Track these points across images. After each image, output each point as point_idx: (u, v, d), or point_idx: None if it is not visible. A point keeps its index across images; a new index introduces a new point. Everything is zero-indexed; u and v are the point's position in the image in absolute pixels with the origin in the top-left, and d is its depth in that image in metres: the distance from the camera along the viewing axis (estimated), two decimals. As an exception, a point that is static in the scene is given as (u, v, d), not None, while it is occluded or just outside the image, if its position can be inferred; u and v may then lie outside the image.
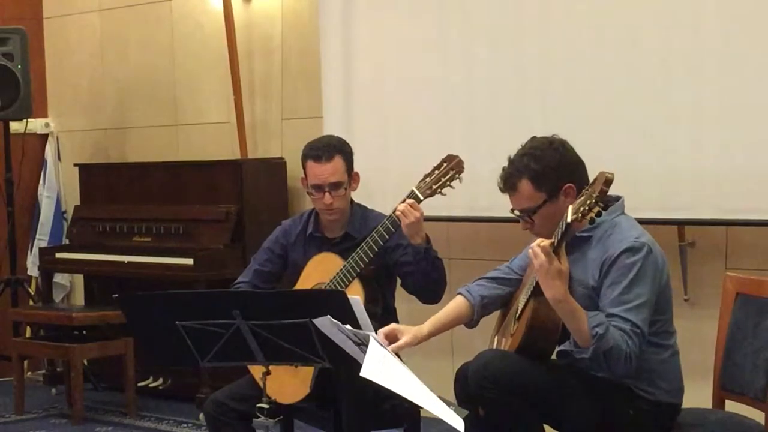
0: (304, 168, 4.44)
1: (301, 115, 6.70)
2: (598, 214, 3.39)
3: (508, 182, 3.70)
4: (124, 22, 7.62)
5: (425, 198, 4.12)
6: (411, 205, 4.09)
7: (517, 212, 3.73)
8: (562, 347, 3.61)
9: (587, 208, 3.36)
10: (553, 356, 3.72)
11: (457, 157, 4.15)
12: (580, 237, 3.65)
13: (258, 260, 4.55)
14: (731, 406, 3.85)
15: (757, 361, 3.68)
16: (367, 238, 4.17)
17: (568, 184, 3.64)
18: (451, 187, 4.14)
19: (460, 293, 3.92)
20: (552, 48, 5.42)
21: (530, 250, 3.48)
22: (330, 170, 4.34)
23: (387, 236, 4.14)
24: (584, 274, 3.61)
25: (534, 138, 3.76)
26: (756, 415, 3.70)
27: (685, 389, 3.71)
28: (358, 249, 4.17)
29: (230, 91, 6.82)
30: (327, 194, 4.33)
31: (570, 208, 3.42)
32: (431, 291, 4.31)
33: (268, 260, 4.53)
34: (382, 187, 5.54)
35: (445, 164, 4.15)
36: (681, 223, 5.19)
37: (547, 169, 3.64)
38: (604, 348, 3.41)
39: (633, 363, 3.46)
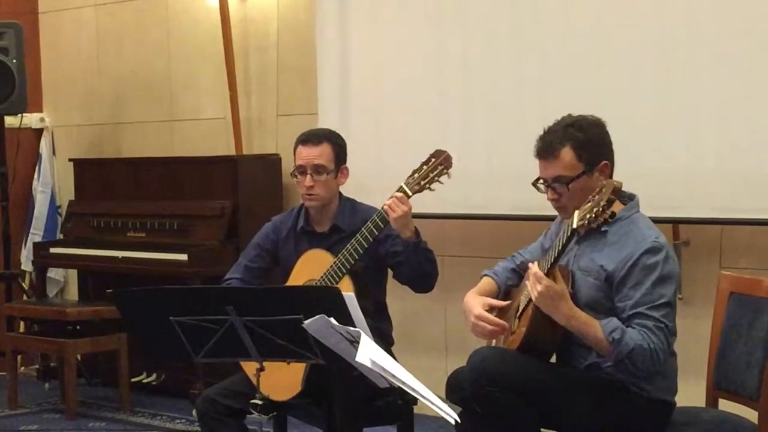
0: (295, 156, 4.45)
1: (296, 112, 6.70)
2: (605, 222, 3.40)
3: (550, 148, 3.68)
4: (120, 18, 7.61)
5: (414, 193, 4.12)
6: (399, 199, 4.09)
7: (547, 182, 3.70)
8: (588, 362, 3.61)
9: (594, 215, 3.36)
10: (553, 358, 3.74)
11: (445, 152, 4.15)
12: (596, 230, 3.64)
13: (247, 256, 4.55)
14: (725, 405, 3.85)
15: (750, 360, 3.69)
16: (357, 235, 4.17)
17: (605, 162, 3.67)
18: (439, 182, 4.14)
19: (487, 275, 3.99)
20: (548, 47, 5.42)
21: (528, 282, 3.49)
22: (315, 153, 4.37)
23: (376, 232, 4.15)
24: (591, 264, 3.63)
25: (571, 114, 3.77)
26: (749, 414, 3.71)
27: (678, 388, 3.72)
28: (348, 245, 4.17)
29: (226, 87, 6.82)
30: (308, 177, 4.34)
31: (576, 213, 3.42)
32: (424, 281, 4.31)
33: (258, 256, 4.53)
34: (378, 184, 5.51)
35: (433, 159, 4.15)
36: (676, 222, 5.19)
37: (591, 142, 3.67)
38: (625, 351, 3.43)
39: (660, 358, 3.48)
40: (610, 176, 3.64)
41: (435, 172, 4.13)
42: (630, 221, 3.65)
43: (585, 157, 3.65)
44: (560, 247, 3.51)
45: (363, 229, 4.17)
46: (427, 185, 4.13)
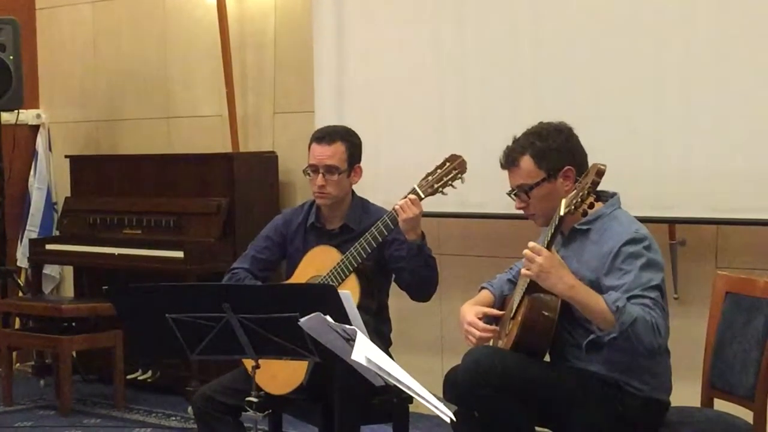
0: (309, 153, 4.46)
1: (293, 110, 6.70)
2: (591, 206, 3.43)
3: (510, 157, 3.76)
4: (117, 14, 7.60)
5: (426, 196, 4.14)
6: (412, 202, 4.09)
7: (514, 191, 3.75)
8: (589, 339, 3.61)
9: (579, 200, 3.39)
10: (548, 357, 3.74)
11: (460, 157, 4.17)
12: (578, 229, 3.68)
13: (256, 247, 4.55)
14: (720, 405, 3.85)
15: (746, 360, 3.69)
16: (366, 234, 4.18)
17: (568, 167, 3.69)
18: (453, 186, 4.16)
19: (484, 287, 4.01)
20: (545, 47, 5.42)
21: (524, 259, 3.48)
22: (328, 152, 4.38)
23: (386, 232, 4.16)
24: (579, 266, 3.63)
25: (541, 122, 3.82)
26: (744, 414, 3.71)
27: (673, 387, 3.72)
28: (356, 244, 4.18)
29: (222, 85, 6.81)
30: (320, 176, 4.35)
31: (563, 201, 3.44)
32: (422, 288, 4.31)
33: (266, 248, 4.53)
34: (374, 182, 5.51)
35: (448, 163, 4.16)
36: (672, 222, 5.19)
37: (550, 149, 3.70)
38: (628, 321, 3.41)
39: (661, 333, 3.47)
40: (575, 181, 3.63)
41: (449, 177, 4.14)
42: (611, 217, 3.68)
43: (545, 165, 3.70)
44: (549, 237, 3.51)
45: (372, 228, 4.17)
46: (440, 189, 4.15)
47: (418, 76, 5.88)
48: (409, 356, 4.74)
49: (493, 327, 3.81)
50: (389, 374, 3.15)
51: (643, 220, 3.77)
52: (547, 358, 3.73)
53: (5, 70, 6.99)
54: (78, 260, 7.03)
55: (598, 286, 3.57)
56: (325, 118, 5.99)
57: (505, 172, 3.84)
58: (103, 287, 3.55)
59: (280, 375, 4.06)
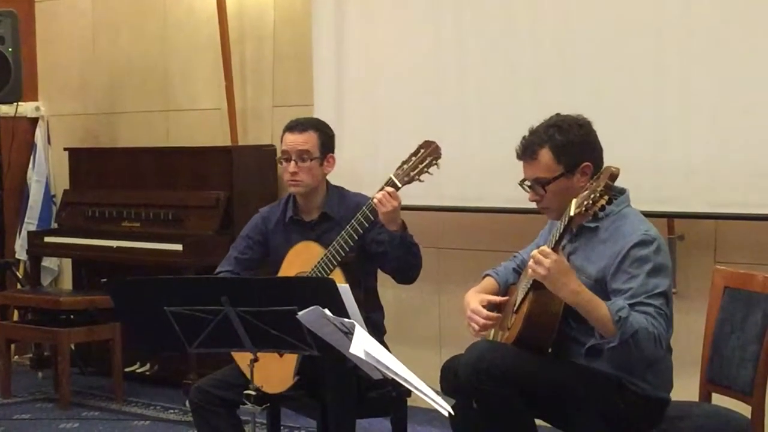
0: (281, 143, 4.46)
1: (291, 103, 6.69)
2: (602, 208, 3.37)
3: (529, 149, 3.68)
4: (116, 7, 7.60)
5: (403, 185, 4.12)
6: (390, 194, 4.08)
7: (528, 183, 3.70)
8: (589, 344, 3.59)
9: (591, 201, 3.34)
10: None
11: (434, 143, 4.14)
12: (586, 227, 3.64)
13: (237, 248, 4.55)
14: (718, 400, 3.85)
15: (744, 355, 3.69)
16: (347, 227, 4.16)
17: (586, 163, 3.64)
18: (429, 173, 4.13)
19: (489, 275, 3.99)
20: (544, 41, 5.42)
21: (531, 261, 3.46)
22: (300, 140, 4.40)
23: (366, 224, 4.14)
24: (586, 264, 3.61)
25: (559, 114, 3.75)
26: (742, 408, 3.71)
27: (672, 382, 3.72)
28: (338, 237, 4.16)
29: (221, 78, 6.81)
30: (292, 162, 4.35)
31: (573, 201, 3.40)
32: (406, 273, 4.32)
33: (248, 248, 4.52)
34: (372, 175, 5.51)
35: (422, 150, 4.14)
36: (671, 216, 5.19)
37: (571, 144, 3.64)
38: (630, 332, 3.39)
39: (663, 344, 3.46)
40: (592, 176, 3.59)
41: (424, 164, 4.12)
42: (620, 216, 3.64)
43: (564, 159, 3.63)
44: (557, 237, 3.50)
45: (353, 221, 4.15)
46: (417, 176, 4.13)
47: (417, 70, 5.87)
48: (407, 349, 4.73)
49: (497, 314, 3.80)
50: (387, 368, 3.15)
51: (642, 214, 3.76)
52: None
53: (4, 63, 6.99)
54: (76, 253, 7.03)
55: (603, 285, 3.56)
56: (323, 111, 5.98)
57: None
58: (102, 280, 3.55)
59: (274, 374, 4.04)
